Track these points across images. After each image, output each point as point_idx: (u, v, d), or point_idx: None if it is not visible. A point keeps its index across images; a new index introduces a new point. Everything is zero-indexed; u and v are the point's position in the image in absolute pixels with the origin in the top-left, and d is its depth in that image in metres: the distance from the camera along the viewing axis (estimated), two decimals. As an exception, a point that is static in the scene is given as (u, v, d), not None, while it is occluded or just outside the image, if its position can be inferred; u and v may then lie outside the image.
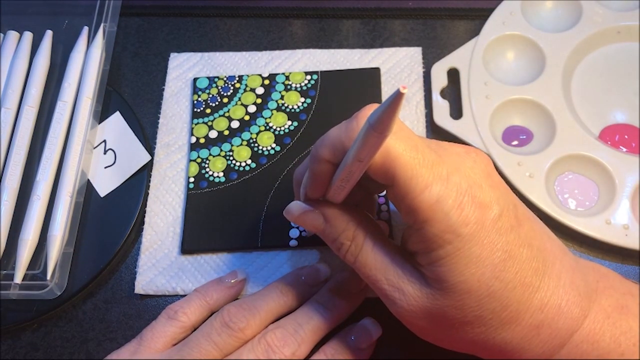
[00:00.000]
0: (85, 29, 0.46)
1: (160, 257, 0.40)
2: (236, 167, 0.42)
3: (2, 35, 0.47)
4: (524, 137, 0.43)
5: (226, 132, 0.43)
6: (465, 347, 0.30)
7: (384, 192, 0.40)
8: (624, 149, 0.41)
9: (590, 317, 0.28)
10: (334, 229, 0.31)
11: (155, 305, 0.39)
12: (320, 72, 0.45)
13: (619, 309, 0.28)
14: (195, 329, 0.35)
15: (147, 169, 0.42)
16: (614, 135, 0.42)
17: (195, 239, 0.40)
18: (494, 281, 0.27)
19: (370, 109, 0.27)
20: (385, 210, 0.40)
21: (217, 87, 0.45)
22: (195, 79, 0.46)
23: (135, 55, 0.48)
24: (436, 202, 0.26)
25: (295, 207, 0.32)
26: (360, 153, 0.25)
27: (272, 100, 0.44)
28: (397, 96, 0.21)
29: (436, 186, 0.26)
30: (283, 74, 0.45)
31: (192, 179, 0.42)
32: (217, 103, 0.45)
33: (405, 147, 0.26)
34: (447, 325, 0.28)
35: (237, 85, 0.45)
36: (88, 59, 0.44)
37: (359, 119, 0.27)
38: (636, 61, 0.44)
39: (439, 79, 0.44)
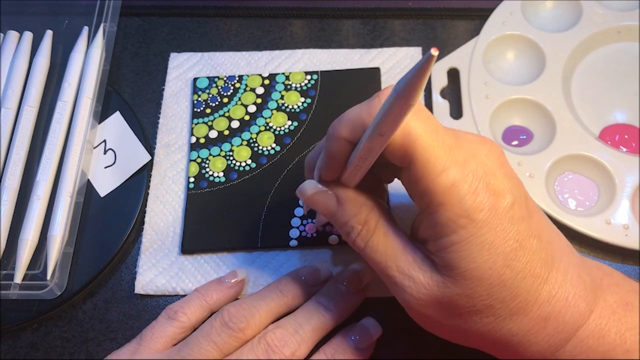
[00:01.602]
0: (85, 29, 0.46)
1: (160, 257, 0.40)
2: (236, 167, 0.42)
3: (2, 35, 0.47)
4: (524, 137, 0.43)
5: (226, 132, 0.43)
6: (471, 340, 0.30)
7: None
8: (624, 149, 0.41)
9: (596, 312, 0.28)
10: (346, 212, 0.30)
11: (155, 305, 0.39)
12: (320, 72, 0.45)
13: (624, 306, 0.28)
14: (195, 329, 0.35)
15: (147, 169, 0.42)
16: (614, 135, 0.42)
17: (195, 239, 0.40)
18: (505, 269, 0.27)
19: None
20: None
21: (217, 87, 0.45)
22: (195, 79, 0.46)
23: (135, 55, 0.48)
24: (452, 185, 0.26)
25: (309, 186, 0.31)
26: (383, 126, 0.25)
27: (272, 100, 0.44)
28: (428, 59, 0.21)
29: (453, 170, 0.26)
30: (283, 73, 0.45)
31: (192, 179, 0.42)
32: (217, 103, 0.45)
33: (425, 128, 0.26)
34: (456, 315, 0.28)
35: (237, 85, 0.45)
36: (88, 59, 0.44)
37: (381, 97, 0.27)
38: (636, 61, 0.44)
39: (439, 79, 0.44)
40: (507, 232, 0.27)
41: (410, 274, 0.29)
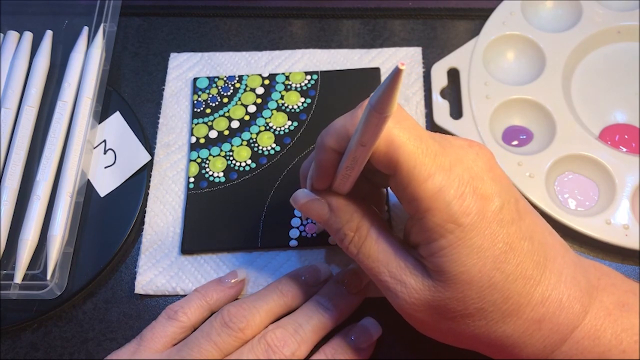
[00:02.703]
0: (85, 29, 0.46)
1: (160, 257, 0.40)
2: (236, 167, 0.42)
3: (2, 35, 0.47)
4: (524, 137, 0.43)
5: (226, 132, 0.43)
6: (466, 342, 0.30)
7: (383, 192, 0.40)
8: (624, 149, 0.41)
9: (591, 314, 0.28)
10: (338, 219, 0.31)
11: (155, 305, 0.39)
12: (320, 72, 0.45)
13: (620, 306, 0.28)
14: (195, 329, 0.35)
15: (147, 169, 0.42)
16: (614, 135, 0.42)
17: (195, 239, 0.40)
18: (495, 272, 0.27)
19: None
20: (386, 210, 0.40)
21: (217, 87, 0.45)
22: (195, 79, 0.46)
23: (135, 55, 0.48)
24: (438, 191, 0.27)
25: (302, 195, 0.32)
26: (363, 137, 0.25)
27: (272, 100, 0.44)
28: (396, 73, 0.21)
29: (438, 176, 0.27)
30: (283, 74, 0.45)
31: (192, 179, 0.42)
32: (217, 103, 0.45)
33: (409, 136, 0.27)
34: (449, 318, 0.28)
35: (237, 85, 0.45)
36: (88, 59, 0.44)
37: (363, 107, 0.27)
38: (636, 61, 0.44)
39: (439, 79, 0.44)
40: (496, 235, 0.27)
41: (401, 279, 0.29)
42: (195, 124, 0.44)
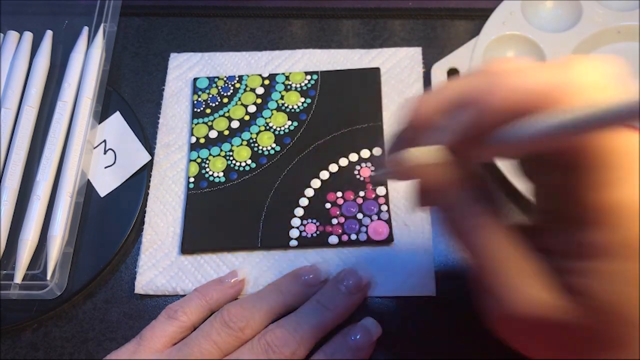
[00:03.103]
0: (85, 29, 0.46)
1: (160, 257, 0.40)
2: (236, 167, 0.42)
3: (2, 35, 0.47)
4: (524, 137, 0.42)
5: (226, 132, 0.43)
6: (546, 354, 0.26)
7: (383, 192, 0.40)
8: (624, 149, 0.41)
9: None
10: (462, 195, 0.25)
11: (155, 305, 0.39)
12: (320, 72, 0.45)
13: None
14: (195, 329, 0.35)
15: (147, 169, 0.42)
16: (614, 135, 0.42)
17: (195, 239, 0.40)
18: (637, 308, 0.22)
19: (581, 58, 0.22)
20: (386, 210, 0.40)
21: (217, 87, 0.45)
22: (195, 79, 0.46)
23: (135, 55, 0.48)
24: (622, 206, 0.21)
25: (422, 154, 0.25)
26: (599, 126, 0.19)
27: (272, 100, 0.44)
28: None
29: (627, 187, 0.21)
30: (283, 74, 0.45)
31: (192, 179, 0.42)
32: (217, 103, 0.45)
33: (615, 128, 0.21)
34: (554, 340, 0.24)
35: (237, 85, 0.45)
36: (88, 59, 0.44)
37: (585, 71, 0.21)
38: (636, 61, 0.44)
39: (439, 79, 0.44)
40: None
41: (517, 284, 0.24)
42: (195, 124, 0.44)
